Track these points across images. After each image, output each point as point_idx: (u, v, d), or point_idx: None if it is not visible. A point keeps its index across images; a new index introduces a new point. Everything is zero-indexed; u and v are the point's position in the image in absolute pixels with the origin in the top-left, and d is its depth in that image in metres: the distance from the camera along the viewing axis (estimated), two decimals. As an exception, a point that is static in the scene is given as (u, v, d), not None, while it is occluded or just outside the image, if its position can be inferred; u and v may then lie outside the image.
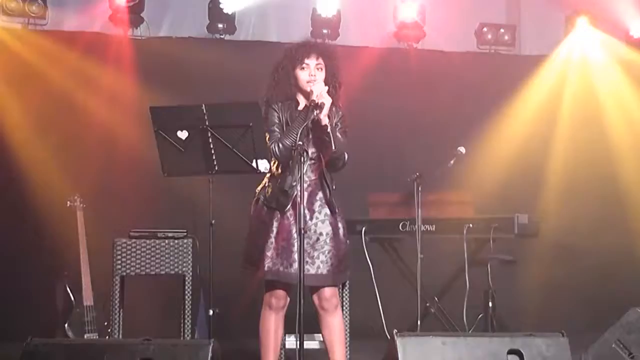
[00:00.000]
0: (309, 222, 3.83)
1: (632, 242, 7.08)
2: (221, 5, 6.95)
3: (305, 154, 3.82)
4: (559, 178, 7.21)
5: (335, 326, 3.94)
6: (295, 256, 3.74)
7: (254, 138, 4.01)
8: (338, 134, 3.88)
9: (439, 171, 5.33)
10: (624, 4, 7.40)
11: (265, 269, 3.79)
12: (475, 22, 7.54)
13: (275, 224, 3.83)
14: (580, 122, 7.29)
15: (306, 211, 3.83)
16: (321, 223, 3.86)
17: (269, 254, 3.80)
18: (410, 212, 5.53)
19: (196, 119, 4.07)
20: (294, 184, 3.75)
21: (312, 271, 3.79)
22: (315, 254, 3.82)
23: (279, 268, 3.77)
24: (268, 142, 3.87)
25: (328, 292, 3.89)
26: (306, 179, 3.85)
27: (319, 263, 3.81)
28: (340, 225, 3.92)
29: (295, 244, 3.76)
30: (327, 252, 3.83)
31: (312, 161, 3.89)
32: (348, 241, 3.99)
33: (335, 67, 3.97)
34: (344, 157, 3.87)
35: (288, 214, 3.82)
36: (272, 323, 3.92)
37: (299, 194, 3.54)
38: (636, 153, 7.26)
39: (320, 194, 3.89)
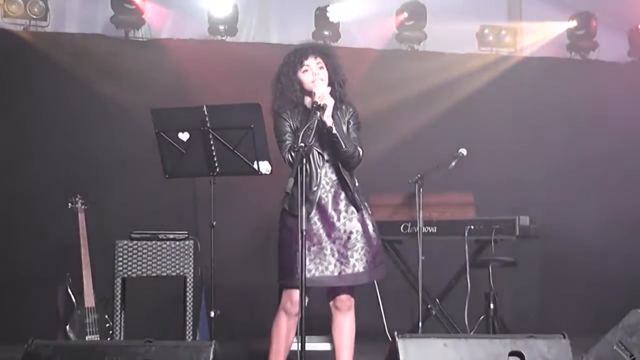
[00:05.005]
0: (337, 223, 3.83)
1: (633, 243, 7.07)
2: (212, 13, 6.96)
3: (321, 157, 3.83)
4: (561, 179, 7.21)
5: (346, 328, 3.94)
6: (329, 258, 3.77)
7: (255, 139, 4.01)
8: (351, 131, 3.89)
9: (440, 173, 5.33)
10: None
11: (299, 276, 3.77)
12: (477, 24, 7.54)
13: None
14: (583, 122, 7.29)
15: (333, 212, 3.84)
16: (349, 222, 3.85)
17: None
18: (412, 214, 5.54)
19: (197, 120, 4.08)
20: (314, 188, 3.78)
21: (349, 271, 3.79)
22: (349, 253, 3.81)
23: (314, 273, 3.74)
24: (281, 151, 3.84)
25: (344, 295, 3.91)
26: (327, 180, 3.86)
27: (354, 262, 3.81)
28: (368, 221, 3.91)
29: (328, 247, 3.78)
30: (360, 249, 3.83)
31: (329, 162, 3.87)
32: (378, 235, 3.97)
33: (336, 64, 3.94)
34: (358, 154, 3.86)
35: (315, 218, 3.81)
36: (284, 327, 3.90)
37: (299, 194, 3.50)
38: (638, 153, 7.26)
39: (343, 194, 3.88)
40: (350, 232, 3.84)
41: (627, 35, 7.77)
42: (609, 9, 7.57)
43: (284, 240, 3.87)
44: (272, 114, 3.92)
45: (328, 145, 3.83)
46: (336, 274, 3.78)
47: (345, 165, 3.87)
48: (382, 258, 3.99)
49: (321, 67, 3.88)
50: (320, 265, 3.78)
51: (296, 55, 3.90)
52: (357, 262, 3.81)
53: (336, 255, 3.80)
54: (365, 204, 3.95)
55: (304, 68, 3.87)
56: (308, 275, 3.73)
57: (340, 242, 3.82)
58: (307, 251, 3.75)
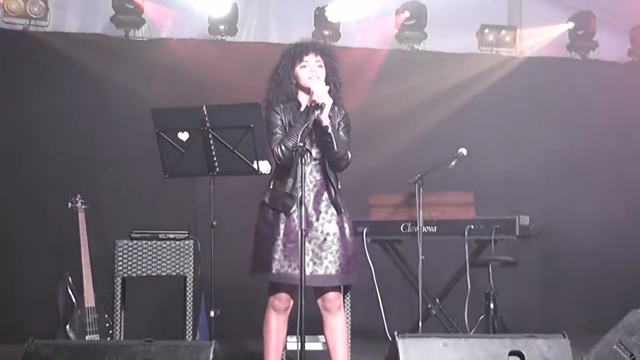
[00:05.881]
0: (316, 222, 3.82)
1: (633, 243, 7.08)
2: (212, 12, 6.95)
3: (308, 154, 3.82)
4: (560, 179, 7.21)
5: (338, 328, 3.93)
6: (304, 257, 3.74)
7: (255, 139, 4.00)
8: (341, 133, 3.87)
9: (440, 172, 5.33)
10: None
11: (274, 271, 3.77)
12: (477, 24, 7.54)
13: (282, 226, 3.81)
14: (582, 122, 7.29)
15: (313, 211, 3.82)
16: (328, 223, 3.84)
17: (276, 256, 3.78)
18: (412, 214, 5.54)
19: (197, 120, 4.07)
20: (298, 185, 3.75)
21: (321, 272, 3.78)
22: (323, 254, 3.80)
23: (287, 270, 3.75)
24: (270, 144, 3.85)
25: (332, 294, 3.89)
26: (312, 179, 3.85)
27: (327, 263, 3.79)
28: (346, 225, 3.90)
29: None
30: (335, 252, 3.81)
31: (316, 161, 3.86)
32: (354, 240, 3.96)
33: (335, 66, 3.95)
34: (347, 157, 3.84)
35: (294, 215, 3.78)
36: (275, 325, 3.90)
37: (301, 194, 3.52)
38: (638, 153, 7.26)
39: (325, 194, 3.86)
40: (327, 234, 3.83)
41: (628, 35, 7.77)
42: (609, 9, 7.58)
43: (261, 232, 3.88)
44: (265, 105, 3.93)
45: (318, 144, 3.83)
46: (307, 273, 3.72)
47: (334, 166, 3.86)
48: (356, 263, 3.96)
49: (320, 66, 3.89)
50: (294, 263, 3.74)
51: (296, 50, 3.91)
52: (330, 264, 3.80)
53: (310, 254, 3.77)
54: (346, 207, 3.93)
55: (303, 63, 3.88)
56: (282, 271, 3.76)
57: (317, 243, 3.81)
58: (283, 247, 3.77)
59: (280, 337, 3.95)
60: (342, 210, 3.89)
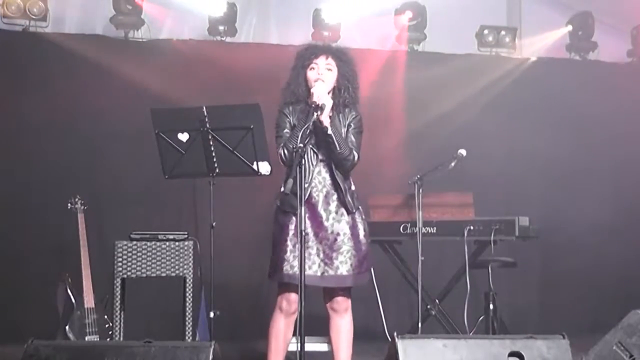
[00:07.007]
0: (326, 223, 3.82)
1: (633, 243, 7.08)
2: (211, 13, 6.95)
3: (315, 156, 3.83)
4: (560, 180, 7.21)
5: (344, 329, 3.94)
6: (314, 258, 3.76)
7: (255, 140, 4.02)
8: (351, 135, 3.88)
9: (440, 173, 5.33)
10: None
11: (284, 272, 3.77)
12: (476, 24, 7.54)
13: (291, 227, 3.81)
14: (582, 122, 7.29)
15: (322, 212, 3.83)
16: (337, 223, 3.84)
17: (285, 257, 3.78)
18: (411, 214, 5.54)
19: (197, 121, 4.08)
20: (305, 185, 3.73)
21: (331, 272, 3.79)
22: (334, 254, 3.80)
23: (296, 271, 3.74)
24: (276, 147, 3.85)
25: (340, 297, 3.90)
26: (320, 180, 3.85)
27: (338, 264, 3.79)
28: (360, 225, 3.89)
29: (314, 246, 3.78)
30: (345, 252, 3.81)
31: (324, 162, 3.87)
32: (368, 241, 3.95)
33: (350, 70, 3.94)
34: (352, 158, 3.84)
35: (305, 216, 3.75)
36: (281, 326, 3.89)
37: (299, 195, 3.51)
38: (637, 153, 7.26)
39: (335, 195, 3.87)
40: (337, 234, 3.83)
41: (629, 35, 7.77)
42: (609, 10, 7.58)
43: (274, 235, 3.89)
44: (278, 107, 3.94)
45: (323, 145, 3.83)
46: (319, 274, 3.77)
47: (339, 167, 3.86)
48: (369, 265, 3.96)
49: (329, 69, 3.89)
50: (304, 264, 3.76)
51: (307, 51, 3.92)
52: (341, 265, 3.80)
53: (321, 255, 3.79)
54: (360, 207, 3.93)
55: (312, 65, 3.88)
56: (290, 272, 3.75)
57: (327, 243, 3.81)
58: (292, 247, 3.77)
59: (286, 339, 3.93)
60: (354, 210, 3.89)
